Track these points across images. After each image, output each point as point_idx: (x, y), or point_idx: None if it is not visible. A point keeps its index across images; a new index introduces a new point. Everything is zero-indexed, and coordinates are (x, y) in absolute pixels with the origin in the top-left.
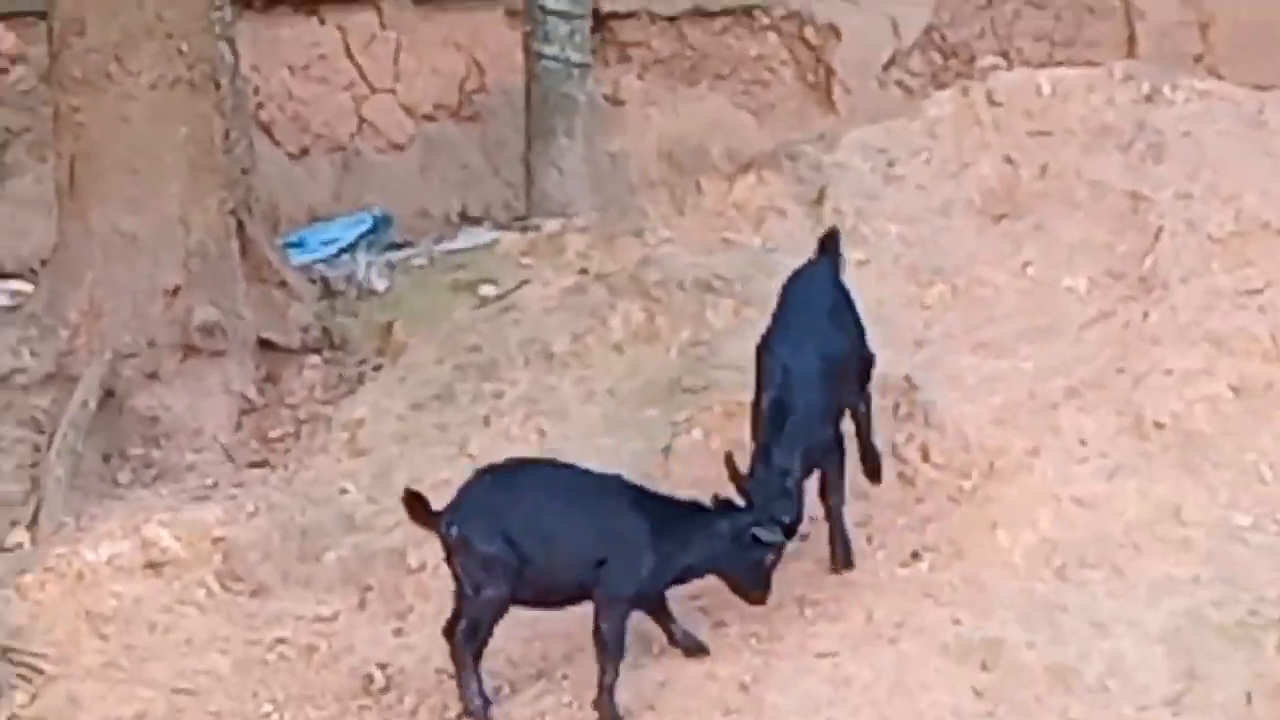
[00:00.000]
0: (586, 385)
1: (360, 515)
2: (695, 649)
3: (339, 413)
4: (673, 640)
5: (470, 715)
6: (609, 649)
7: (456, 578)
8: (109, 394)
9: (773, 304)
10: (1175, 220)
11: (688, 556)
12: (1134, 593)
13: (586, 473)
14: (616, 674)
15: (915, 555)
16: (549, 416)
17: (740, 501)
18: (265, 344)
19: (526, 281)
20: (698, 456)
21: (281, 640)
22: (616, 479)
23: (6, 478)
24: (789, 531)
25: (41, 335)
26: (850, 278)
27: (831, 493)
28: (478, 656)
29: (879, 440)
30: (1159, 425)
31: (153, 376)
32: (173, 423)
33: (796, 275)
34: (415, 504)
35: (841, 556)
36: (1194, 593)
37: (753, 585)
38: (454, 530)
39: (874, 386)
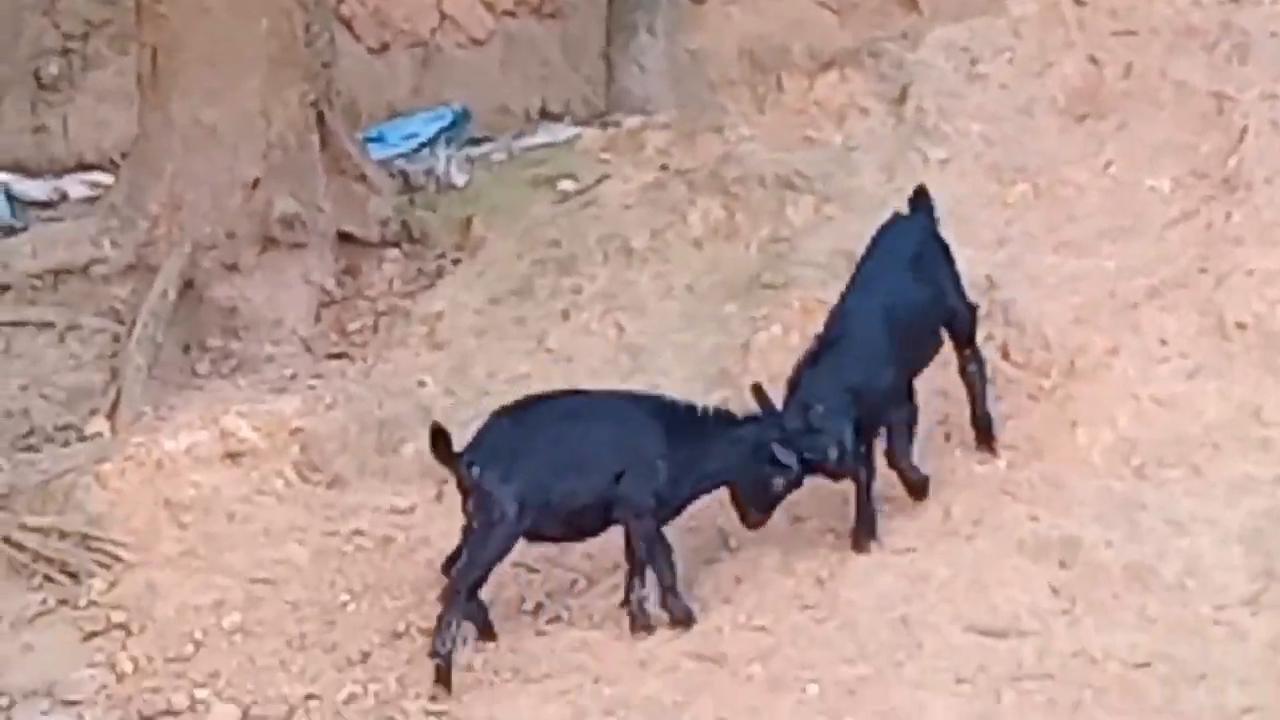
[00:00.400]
0: (665, 281)
1: (438, 408)
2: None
3: (417, 306)
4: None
5: (435, 657)
6: (653, 556)
7: (468, 515)
8: (188, 285)
9: (853, 201)
10: (1260, 121)
11: (706, 463)
12: (1212, 492)
13: (604, 394)
14: (674, 573)
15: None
16: (627, 312)
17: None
18: (344, 237)
19: (606, 177)
20: (776, 352)
21: (358, 531)
22: (634, 394)
23: (87, 367)
24: (806, 466)
25: (122, 226)
26: (932, 177)
27: (893, 446)
28: (471, 596)
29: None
30: (1240, 325)
31: (232, 268)
32: (252, 314)
33: (885, 227)
34: (438, 441)
35: (865, 532)
36: (1274, 493)
37: (756, 506)
38: (474, 470)
39: None
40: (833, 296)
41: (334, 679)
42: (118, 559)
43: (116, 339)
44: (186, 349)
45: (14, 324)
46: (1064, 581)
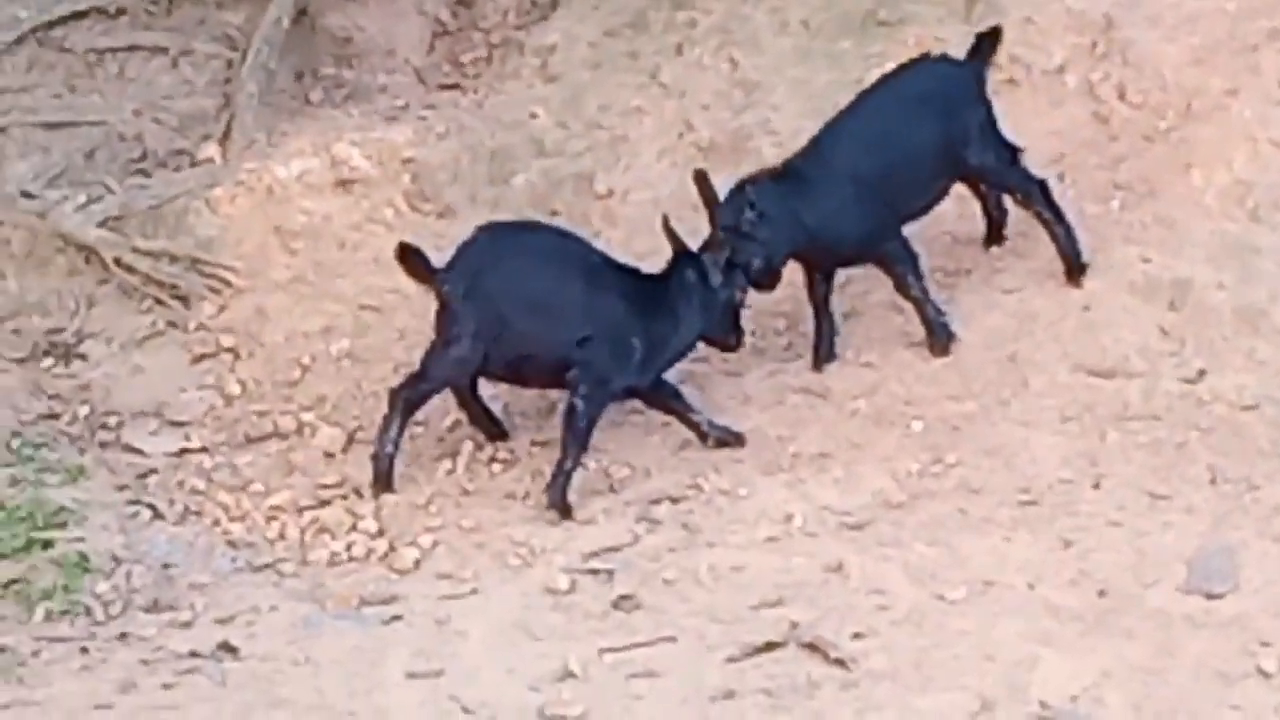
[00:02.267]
0: (780, 16)
1: (549, 140)
2: (731, 439)
3: (531, 38)
4: (701, 435)
5: (374, 459)
6: (576, 433)
7: (436, 332)
8: (303, 12)
9: None
10: None
11: (680, 334)
12: None
13: (586, 246)
14: (576, 463)
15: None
16: (741, 47)
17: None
18: None
19: None
20: None
21: None
22: (603, 256)
23: (199, 93)
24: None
25: None
26: None
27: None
28: (410, 411)
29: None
30: None
31: None
32: (365, 43)
33: (915, 62)
34: (410, 258)
35: (823, 352)
36: None
37: (726, 332)
38: (444, 285)
39: (1067, 33)
40: (949, 35)
41: (438, 405)
42: (227, 284)
43: (230, 65)
44: (299, 76)
45: (128, 48)
46: (1173, 323)
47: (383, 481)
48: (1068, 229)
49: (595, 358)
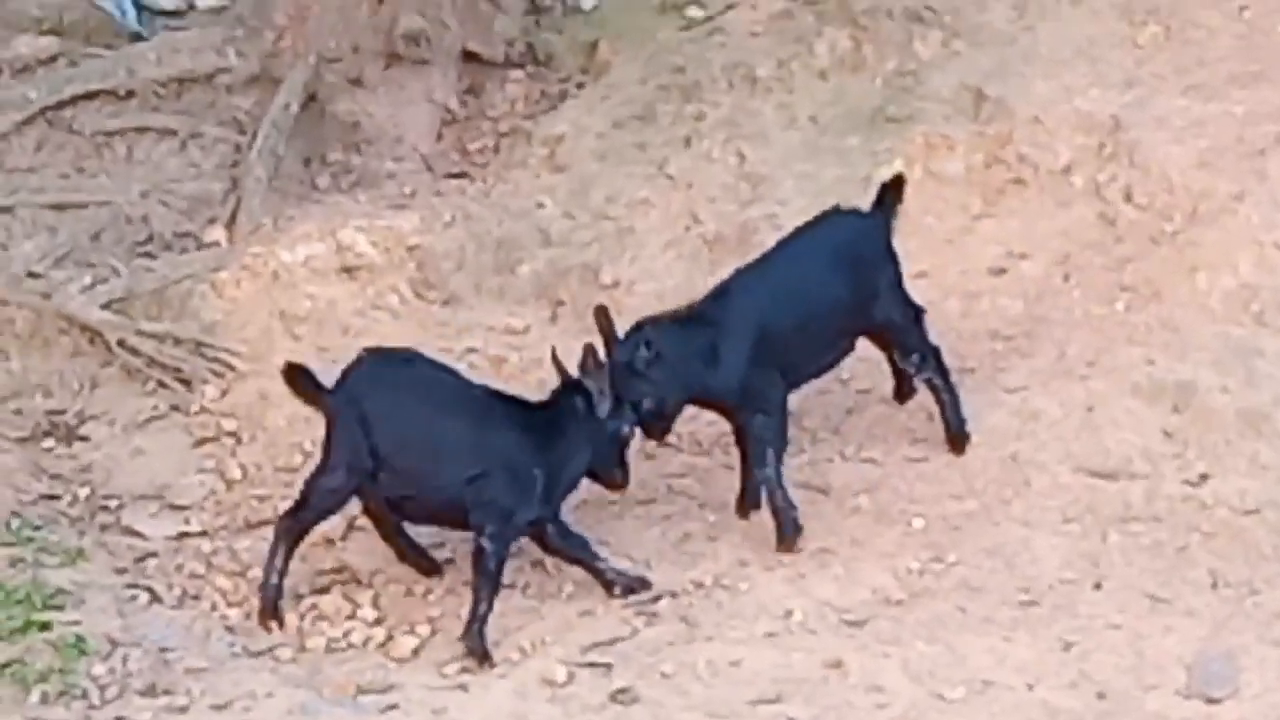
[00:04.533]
0: (789, 111)
1: (556, 230)
2: (636, 585)
3: (539, 128)
4: (607, 585)
5: (261, 590)
6: (487, 576)
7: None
8: (311, 98)
9: (981, 36)
10: None
11: (574, 463)
12: None
13: (465, 382)
14: (490, 605)
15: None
16: (749, 140)
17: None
18: (469, 56)
19: (733, 5)
20: None
21: (472, 349)
22: (486, 389)
23: (207, 176)
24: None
25: (247, 36)
26: (1063, 15)
27: (748, 453)
28: (295, 541)
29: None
30: None
31: (356, 82)
32: (374, 130)
33: (825, 215)
34: (297, 377)
35: (749, 500)
36: None
37: (611, 466)
38: (337, 408)
39: (1075, 133)
40: (956, 132)
41: None
42: (231, 367)
43: (238, 149)
44: (307, 162)
45: (137, 130)
46: (1177, 426)
47: (269, 612)
48: (954, 397)
49: (494, 495)
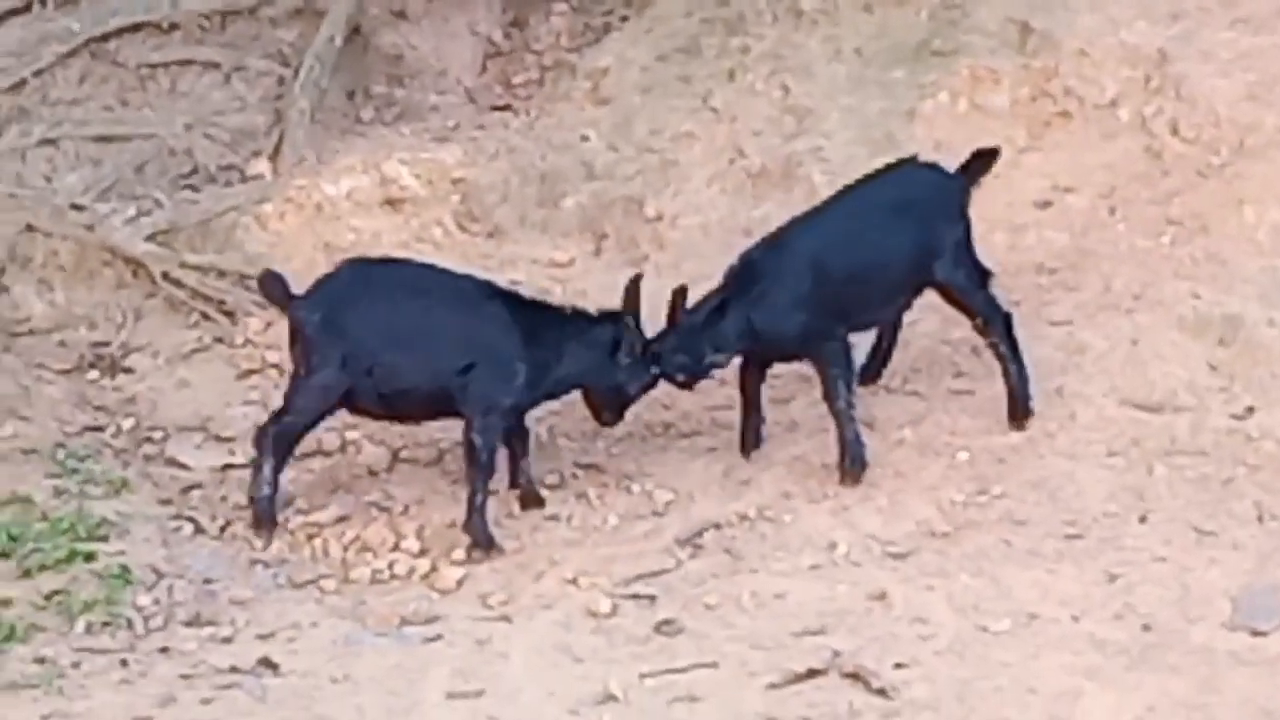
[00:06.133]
0: (834, 44)
1: (600, 163)
2: (533, 499)
3: (584, 61)
4: (514, 482)
5: (254, 502)
6: (480, 464)
7: (294, 361)
8: (355, 31)
9: None
10: None
11: (563, 366)
12: None
13: (457, 276)
14: (486, 494)
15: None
16: (793, 74)
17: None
18: None
19: None
20: (942, 119)
21: (515, 282)
22: (487, 284)
23: (251, 109)
24: (663, 375)
25: None
26: None
27: (824, 389)
28: (285, 450)
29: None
30: None
31: (400, 15)
32: (417, 62)
33: (897, 165)
34: (270, 282)
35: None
36: None
37: (609, 407)
38: (300, 314)
39: (1121, 66)
40: (1002, 65)
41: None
42: None
43: (281, 81)
44: (351, 95)
45: (181, 63)
46: (1222, 359)
47: (265, 525)
48: (1021, 368)
49: (481, 384)
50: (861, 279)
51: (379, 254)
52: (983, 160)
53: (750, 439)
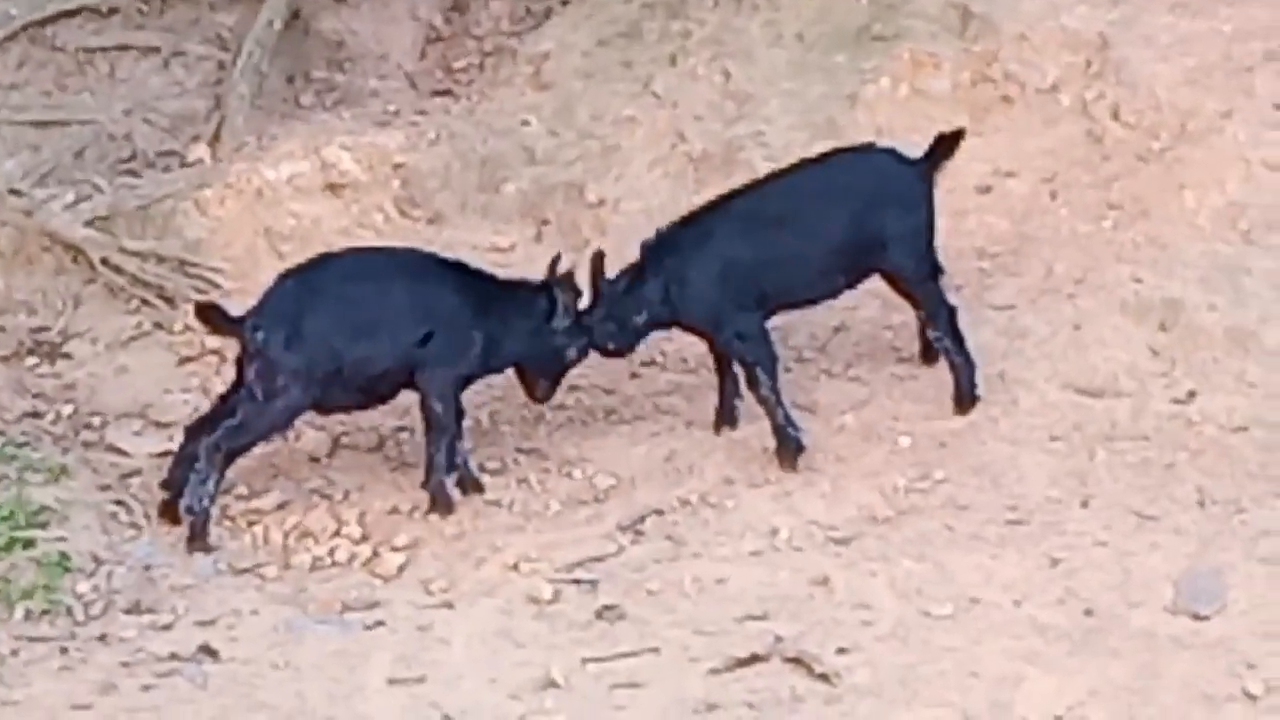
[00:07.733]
0: (775, 29)
1: (541, 148)
2: (472, 483)
3: (524, 46)
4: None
5: (189, 513)
6: (441, 426)
7: (241, 383)
8: (295, 15)
9: None
10: None
11: (509, 340)
12: None
13: (396, 252)
14: (447, 451)
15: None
16: (735, 58)
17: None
18: None
19: None
20: (883, 105)
21: None
22: (430, 256)
23: (190, 94)
24: (592, 345)
25: None
26: None
27: (749, 378)
28: (230, 460)
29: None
30: None
31: (340, 0)
32: (358, 47)
33: (842, 152)
34: (210, 312)
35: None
36: None
37: (546, 376)
38: (259, 336)
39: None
40: (943, 50)
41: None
42: (215, 285)
43: (221, 66)
44: (291, 79)
45: (119, 48)
46: (1164, 343)
47: (199, 538)
48: (967, 359)
49: (438, 353)
50: (776, 263)
51: (317, 242)
52: (945, 145)
53: (726, 413)
